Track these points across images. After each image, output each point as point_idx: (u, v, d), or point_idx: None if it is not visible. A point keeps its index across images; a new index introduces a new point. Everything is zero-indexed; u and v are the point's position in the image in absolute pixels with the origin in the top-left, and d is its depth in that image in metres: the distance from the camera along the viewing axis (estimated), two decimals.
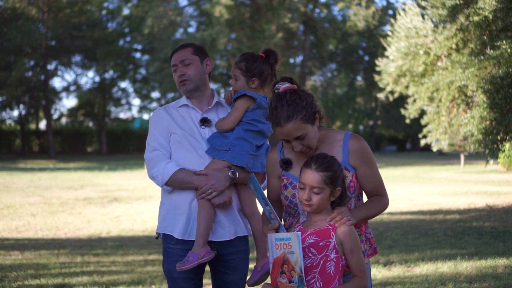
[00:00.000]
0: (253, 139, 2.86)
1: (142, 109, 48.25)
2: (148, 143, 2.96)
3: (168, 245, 2.92)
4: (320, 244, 2.36)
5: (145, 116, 51.21)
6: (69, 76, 64.68)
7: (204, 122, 2.94)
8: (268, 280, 2.54)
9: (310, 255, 2.38)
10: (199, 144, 2.91)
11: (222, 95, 3.29)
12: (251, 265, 3.11)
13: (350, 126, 52.97)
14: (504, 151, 10.74)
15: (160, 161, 2.86)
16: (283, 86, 2.51)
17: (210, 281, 3.11)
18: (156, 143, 2.92)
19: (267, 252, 2.91)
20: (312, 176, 2.38)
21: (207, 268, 3.00)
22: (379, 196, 2.61)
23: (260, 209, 2.78)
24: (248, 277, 2.93)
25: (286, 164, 2.60)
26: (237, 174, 2.79)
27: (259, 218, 2.92)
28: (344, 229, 2.36)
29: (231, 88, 3.03)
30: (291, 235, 2.32)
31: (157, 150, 2.90)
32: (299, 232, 2.33)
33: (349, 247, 2.36)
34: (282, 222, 2.70)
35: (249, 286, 2.83)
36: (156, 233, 3.00)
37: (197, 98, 3.03)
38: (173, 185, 2.84)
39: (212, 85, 33.33)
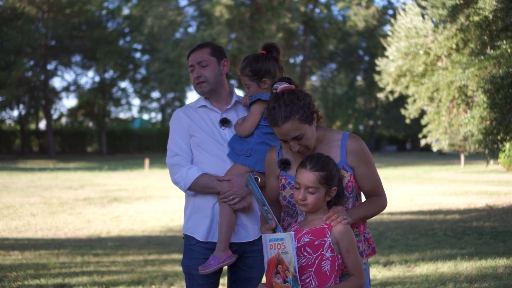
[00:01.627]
0: (273, 141, 2.85)
1: (142, 109, 48.29)
2: (169, 148, 2.99)
3: (189, 243, 2.98)
4: (316, 243, 2.36)
5: (145, 116, 51.30)
6: (69, 76, 64.67)
7: (224, 122, 2.94)
8: (264, 280, 2.54)
9: (305, 254, 2.37)
10: (220, 145, 2.92)
11: None
12: None
13: (350, 126, 52.96)
14: (504, 151, 10.74)
15: (182, 166, 2.89)
16: (281, 86, 2.51)
17: (225, 277, 3.12)
18: (177, 148, 2.94)
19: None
20: (306, 176, 2.38)
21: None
22: (377, 196, 2.60)
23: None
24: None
25: (285, 164, 2.60)
26: (259, 179, 2.80)
27: None
28: (340, 228, 2.36)
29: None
30: (285, 235, 2.32)
31: (178, 155, 2.92)
32: (292, 232, 2.33)
33: (345, 246, 2.36)
34: (281, 222, 2.71)
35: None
36: (183, 233, 3.05)
37: (214, 98, 3.02)
38: (195, 190, 2.88)
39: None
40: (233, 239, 2.88)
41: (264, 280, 2.50)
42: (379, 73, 19.10)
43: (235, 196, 2.78)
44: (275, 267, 2.36)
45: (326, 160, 2.42)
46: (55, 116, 43.30)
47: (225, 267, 3.03)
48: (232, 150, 2.88)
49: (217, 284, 3.02)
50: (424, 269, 5.95)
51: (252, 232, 2.91)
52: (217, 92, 3.00)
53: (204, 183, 2.84)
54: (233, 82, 39.14)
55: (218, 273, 2.98)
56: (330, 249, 2.35)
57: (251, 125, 2.84)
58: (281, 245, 2.33)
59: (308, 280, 2.36)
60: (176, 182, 2.92)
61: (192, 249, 2.95)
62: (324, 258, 2.35)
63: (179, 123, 2.98)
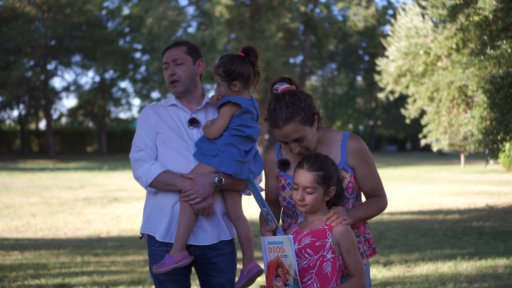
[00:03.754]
0: (241, 145, 2.81)
1: (142, 109, 48.20)
2: (134, 143, 2.94)
3: (152, 247, 2.91)
4: (316, 244, 2.35)
5: None
6: (69, 76, 64.73)
7: (192, 122, 2.90)
8: (260, 283, 2.53)
9: (306, 255, 2.36)
10: (187, 145, 2.88)
11: None
12: (240, 266, 3.10)
13: (350, 126, 52.92)
14: (504, 151, 10.72)
15: (145, 162, 2.84)
16: (282, 87, 2.49)
17: (198, 283, 3.08)
18: (142, 144, 2.89)
19: (252, 257, 2.90)
20: (304, 176, 2.36)
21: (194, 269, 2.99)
22: (378, 197, 2.59)
23: (247, 213, 2.76)
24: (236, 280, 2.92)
25: (284, 165, 2.59)
26: (223, 181, 2.76)
27: (245, 222, 2.90)
28: (340, 229, 2.34)
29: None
30: (283, 239, 2.30)
31: (142, 151, 2.88)
32: (291, 236, 2.31)
33: (346, 247, 2.34)
34: (280, 223, 2.69)
35: None
36: (140, 233, 2.98)
37: (186, 98, 2.99)
38: (157, 186, 2.82)
39: (210, 87, 33.35)
40: (191, 241, 2.82)
41: (265, 283, 2.48)
42: (379, 73, 19.09)
43: (197, 196, 2.71)
44: (275, 270, 2.35)
45: (323, 159, 2.41)
46: (55, 116, 43.25)
47: (194, 274, 2.97)
48: (198, 150, 2.84)
49: (188, 286, 2.96)
50: (424, 269, 5.94)
51: (211, 236, 2.85)
52: (190, 92, 2.97)
53: (166, 180, 2.78)
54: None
55: (187, 275, 2.93)
56: (331, 250, 2.34)
57: (219, 128, 2.80)
58: (280, 248, 2.31)
59: (310, 282, 2.35)
60: (137, 178, 2.86)
61: (155, 254, 2.89)
62: (325, 260, 2.34)
63: (147, 120, 2.95)
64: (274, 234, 2.45)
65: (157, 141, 2.90)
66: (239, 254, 3.08)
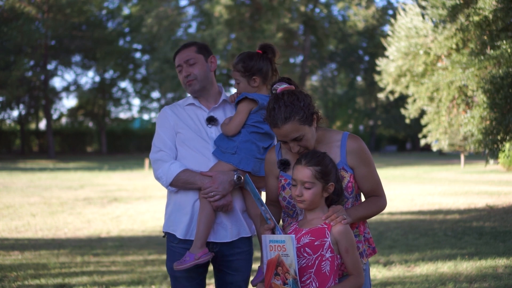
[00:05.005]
0: (259, 141, 2.84)
1: (142, 109, 48.23)
2: (153, 144, 2.97)
3: (171, 244, 2.95)
4: (315, 243, 2.35)
5: (145, 116, 51.25)
6: (69, 76, 64.74)
7: (211, 121, 2.93)
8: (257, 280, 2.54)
9: (305, 255, 2.36)
10: (206, 143, 2.90)
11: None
12: (255, 265, 3.10)
13: (350, 126, 52.93)
14: (504, 151, 10.72)
15: (164, 162, 2.87)
16: (281, 87, 2.51)
17: (213, 281, 3.09)
18: (161, 144, 2.93)
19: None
20: (302, 171, 2.38)
21: (211, 267, 3.00)
22: (377, 197, 2.59)
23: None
24: (252, 278, 2.93)
25: (284, 165, 2.59)
26: (242, 179, 2.78)
27: None
28: (339, 228, 2.35)
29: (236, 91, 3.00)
30: (286, 238, 2.30)
31: (161, 151, 2.91)
32: (293, 235, 2.31)
33: (345, 246, 2.35)
34: (281, 223, 2.70)
35: (253, 286, 2.83)
36: (163, 231, 3.02)
37: (204, 96, 3.01)
38: (177, 185, 2.85)
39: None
40: (211, 238, 2.84)
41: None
42: (379, 73, 19.08)
43: (215, 193, 2.74)
44: (275, 268, 2.35)
45: (321, 155, 2.42)
46: (55, 116, 43.27)
47: (211, 270, 2.99)
48: (217, 148, 2.86)
49: (203, 284, 2.98)
50: (424, 269, 5.95)
51: (231, 233, 2.88)
52: (206, 89, 2.99)
53: (185, 178, 2.80)
54: (233, 82, 39.00)
55: (203, 273, 2.94)
56: (329, 249, 2.34)
57: (237, 124, 2.82)
58: (282, 247, 2.31)
59: (308, 281, 2.35)
60: (158, 178, 2.90)
61: (174, 251, 2.93)
62: (324, 259, 2.34)
63: (165, 120, 2.97)
64: (273, 233, 2.45)
65: (176, 140, 2.93)
66: (256, 253, 3.08)
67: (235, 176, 2.77)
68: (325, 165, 2.39)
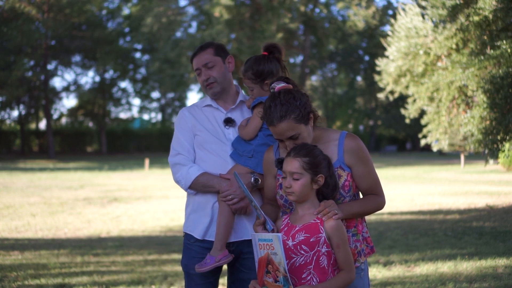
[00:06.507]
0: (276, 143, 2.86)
1: (142, 109, 48.27)
2: (172, 147, 3.00)
3: (187, 241, 2.99)
4: (311, 240, 2.36)
5: (145, 116, 51.28)
6: (69, 76, 64.83)
7: (228, 122, 2.94)
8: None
9: (302, 252, 2.37)
10: (224, 145, 2.93)
11: None
12: None
13: (350, 126, 52.92)
14: (504, 151, 10.71)
15: (183, 165, 2.91)
16: (279, 85, 2.53)
17: (225, 277, 3.11)
18: (180, 147, 2.96)
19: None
20: (290, 163, 2.39)
21: (225, 266, 3.03)
22: (375, 195, 2.60)
23: None
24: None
25: (281, 164, 2.60)
26: (260, 181, 2.81)
27: None
28: (331, 224, 2.35)
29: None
30: (273, 237, 2.31)
31: (180, 154, 2.94)
32: (280, 234, 2.31)
33: (336, 242, 2.35)
34: (280, 220, 2.72)
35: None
36: (183, 232, 3.06)
37: (222, 97, 3.02)
38: (196, 188, 2.89)
39: None
40: (231, 238, 2.88)
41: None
42: (379, 73, 19.08)
43: (233, 196, 2.77)
44: (265, 266, 2.36)
45: (310, 147, 2.43)
46: (55, 116, 43.28)
47: (225, 267, 3.03)
48: (235, 151, 2.89)
49: (216, 284, 3.02)
50: (424, 269, 5.95)
51: (251, 231, 2.90)
52: (226, 91, 3.01)
53: (204, 182, 2.84)
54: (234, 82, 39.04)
55: (216, 273, 2.98)
56: (325, 244, 2.36)
57: (253, 129, 2.84)
58: (270, 246, 2.32)
59: (309, 277, 2.36)
60: (177, 181, 2.95)
61: (190, 248, 2.96)
62: (321, 254, 2.36)
63: (184, 122, 3.00)
64: (264, 227, 2.47)
65: (195, 143, 2.96)
66: None
67: (252, 178, 2.80)
68: (314, 156, 2.39)
